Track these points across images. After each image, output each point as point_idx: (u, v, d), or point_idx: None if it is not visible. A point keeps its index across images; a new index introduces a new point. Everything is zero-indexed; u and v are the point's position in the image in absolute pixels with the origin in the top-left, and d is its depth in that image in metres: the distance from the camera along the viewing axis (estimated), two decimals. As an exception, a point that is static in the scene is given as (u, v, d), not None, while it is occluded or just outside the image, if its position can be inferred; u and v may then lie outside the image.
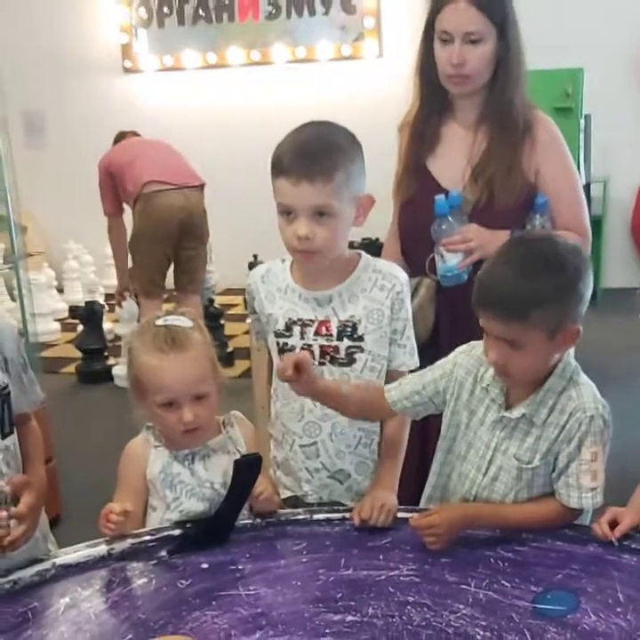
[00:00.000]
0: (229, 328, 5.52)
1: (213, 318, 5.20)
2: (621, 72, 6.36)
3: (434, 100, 2.36)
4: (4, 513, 1.56)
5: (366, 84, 6.77)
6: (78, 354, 5.43)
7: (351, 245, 1.94)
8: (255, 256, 5.77)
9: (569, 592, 1.52)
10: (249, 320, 2.13)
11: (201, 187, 4.80)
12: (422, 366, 1.92)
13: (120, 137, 5.19)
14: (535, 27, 5.99)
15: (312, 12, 7.01)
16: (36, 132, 7.62)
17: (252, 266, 5.48)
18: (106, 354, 5.40)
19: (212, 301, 5.55)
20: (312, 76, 7.06)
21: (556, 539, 1.66)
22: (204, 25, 7.20)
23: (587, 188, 6.64)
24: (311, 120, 1.85)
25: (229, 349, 5.18)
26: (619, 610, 1.46)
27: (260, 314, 1.93)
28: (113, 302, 5.73)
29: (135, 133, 5.24)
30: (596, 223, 6.62)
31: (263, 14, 7.09)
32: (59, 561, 1.63)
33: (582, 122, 5.00)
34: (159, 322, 1.78)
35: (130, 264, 4.92)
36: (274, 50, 7.08)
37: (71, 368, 5.42)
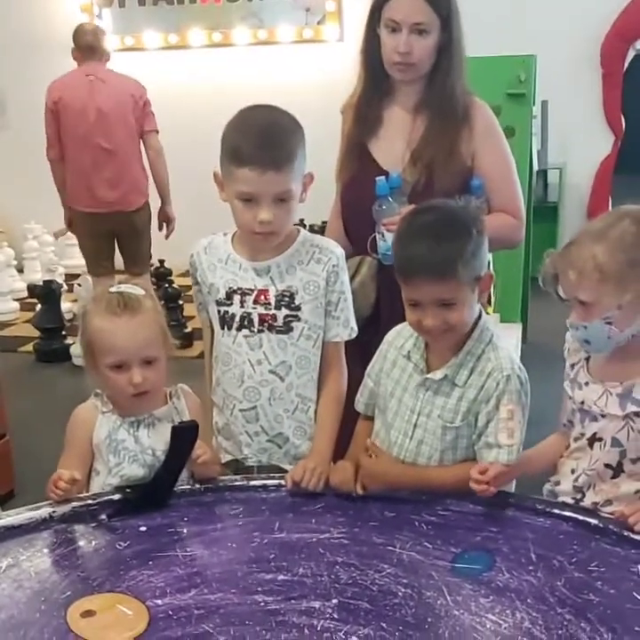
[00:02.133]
0: (188, 309, 5.58)
1: (172, 299, 5.26)
2: (578, 58, 6.45)
3: (377, 83, 2.43)
4: None
5: (326, 67, 6.80)
6: (36, 333, 5.45)
7: (312, 229, 2.03)
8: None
9: (485, 552, 1.62)
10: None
11: (136, 210, 4.91)
12: (365, 341, 2.01)
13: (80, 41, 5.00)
14: (489, 13, 6.13)
15: (275, -7, 7.02)
16: (-4, 113, 7.60)
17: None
18: (64, 333, 5.43)
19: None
20: (273, 58, 7.07)
21: (476, 503, 1.75)
22: (165, 6, 7.20)
23: (543, 174, 6.75)
24: (253, 105, 1.93)
25: (188, 330, 5.24)
26: (530, 568, 1.56)
27: (202, 284, 2.02)
28: (72, 282, 5.78)
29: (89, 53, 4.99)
30: (553, 209, 6.70)
31: (225, -5, 7.10)
32: (1, 522, 1.70)
33: (535, 108, 5.08)
34: (113, 289, 1.88)
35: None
36: (235, 32, 7.10)
37: (29, 347, 5.44)
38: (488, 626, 1.44)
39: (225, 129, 1.88)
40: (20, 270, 7.01)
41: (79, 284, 5.28)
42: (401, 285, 1.78)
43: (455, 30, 2.34)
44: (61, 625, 1.45)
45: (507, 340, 1.96)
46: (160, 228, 5.11)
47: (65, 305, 5.68)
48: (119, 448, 1.84)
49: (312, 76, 6.83)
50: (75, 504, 1.76)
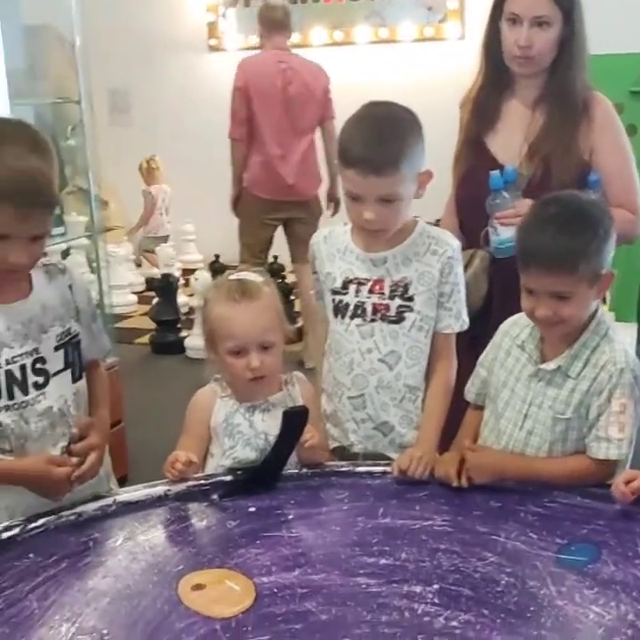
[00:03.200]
0: (300, 305, 5.67)
1: (284, 294, 5.32)
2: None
3: (497, 77, 2.44)
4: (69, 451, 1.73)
5: (447, 65, 6.76)
6: (152, 325, 5.63)
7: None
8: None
9: (592, 544, 1.61)
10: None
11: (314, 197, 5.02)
12: (475, 333, 2.03)
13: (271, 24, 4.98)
14: (613, 10, 5.98)
15: (396, -8, 7.03)
16: (121, 110, 7.81)
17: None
18: (179, 326, 5.59)
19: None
20: (393, 56, 7.07)
21: (584, 496, 1.75)
22: (289, 5, 7.26)
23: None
24: (372, 102, 1.96)
25: (298, 324, 5.32)
26: (637, 562, 1.55)
27: (319, 273, 2.07)
28: (188, 277, 5.95)
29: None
30: None
31: (348, -6, 7.14)
32: (120, 498, 1.78)
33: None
34: (232, 276, 1.94)
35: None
36: (356, 30, 7.12)
37: (145, 339, 5.62)
38: (591, 617, 1.43)
39: (344, 124, 1.93)
40: (139, 264, 7.24)
41: (196, 279, 5.43)
42: (520, 271, 1.79)
43: (577, 24, 2.33)
44: (172, 596, 1.51)
45: (624, 339, 1.93)
46: (328, 208, 5.17)
47: (181, 299, 5.85)
48: (234, 432, 1.90)
49: (432, 74, 6.79)
50: (189, 483, 1.83)
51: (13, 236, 1.60)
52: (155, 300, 5.80)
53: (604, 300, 2.74)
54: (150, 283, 5.90)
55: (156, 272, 6.51)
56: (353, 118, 1.92)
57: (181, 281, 5.96)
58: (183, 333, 5.52)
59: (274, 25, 4.94)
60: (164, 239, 6.98)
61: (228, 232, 5.30)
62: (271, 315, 1.89)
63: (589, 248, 1.72)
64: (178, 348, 5.39)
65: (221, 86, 7.28)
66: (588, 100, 2.38)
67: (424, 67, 6.94)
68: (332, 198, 5.12)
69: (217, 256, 6.21)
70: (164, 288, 5.60)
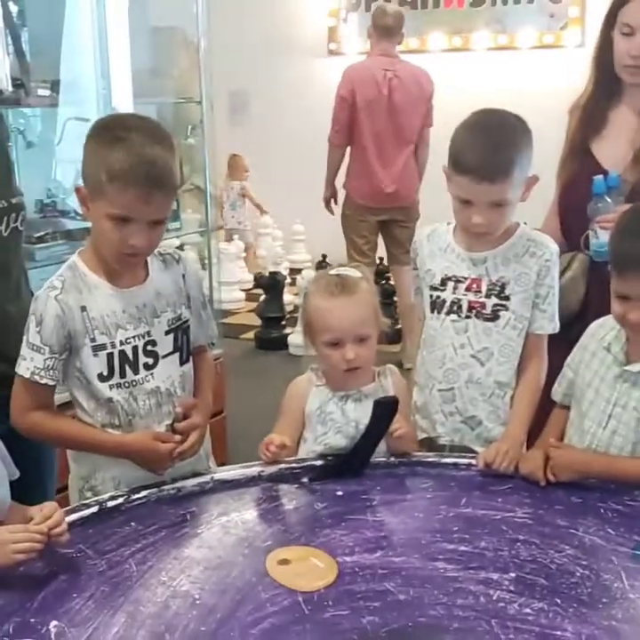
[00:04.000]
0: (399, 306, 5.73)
1: (387, 295, 5.41)
2: None
3: (606, 85, 2.47)
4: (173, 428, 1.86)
5: (565, 72, 6.68)
6: (258, 322, 5.77)
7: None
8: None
9: (669, 542, 1.64)
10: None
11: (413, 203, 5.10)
12: (572, 336, 2.08)
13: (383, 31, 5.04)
14: None
15: (517, 1, 7.03)
16: (240, 111, 8.01)
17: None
18: (283, 323, 5.72)
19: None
20: (511, 63, 7.07)
21: (665, 496, 1.78)
22: (409, 10, 7.29)
23: None
24: (483, 109, 2.02)
25: (399, 326, 5.38)
26: None
27: (419, 269, 2.14)
28: (295, 276, 6.08)
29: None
30: None
31: (468, 1, 7.15)
32: (217, 476, 1.89)
33: None
34: (332, 271, 2.03)
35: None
36: (475, 36, 7.14)
37: (250, 334, 5.77)
38: (662, 611, 1.47)
39: (455, 131, 1.99)
40: (249, 262, 7.44)
41: (302, 278, 5.56)
42: (612, 276, 1.83)
43: None
44: (260, 569, 1.60)
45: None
46: None
47: (287, 297, 5.98)
48: (327, 419, 1.99)
49: (550, 81, 6.73)
50: (282, 466, 1.93)
51: (135, 220, 1.72)
52: (262, 298, 5.94)
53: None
54: (258, 280, 6.05)
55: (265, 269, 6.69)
56: (465, 125, 1.99)
57: (288, 280, 6.09)
58: (287, 330, 5.65)
59: (384, 31, 5.00)
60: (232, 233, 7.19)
61: (335, 233, 5.41)
62: (367, 309, 1.97)
63: None
64: (281, 344, 5.53)
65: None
66: None
67: (542, 74, 6.89)
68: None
69: (324, 256, 6.34)
70: (270, 286, 5.74)
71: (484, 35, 7.14)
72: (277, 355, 5.46)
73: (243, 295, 6.67)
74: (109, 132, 1.74)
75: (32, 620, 1.42)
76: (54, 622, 1.42)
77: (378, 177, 4.98)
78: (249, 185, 7.58)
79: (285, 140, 7.60)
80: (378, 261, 5.81)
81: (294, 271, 6.68)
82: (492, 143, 1.93)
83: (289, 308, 5.97)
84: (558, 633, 1.46)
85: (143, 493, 1.81)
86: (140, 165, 1.69)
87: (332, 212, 5.32)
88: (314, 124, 7.11)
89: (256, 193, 7.65)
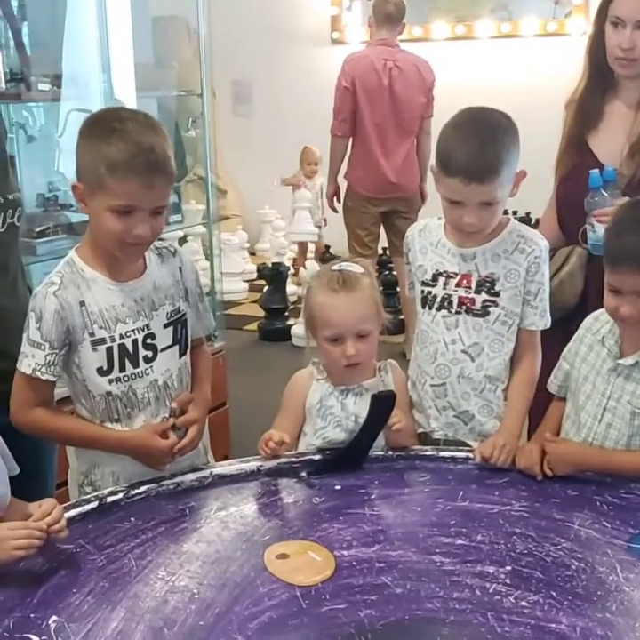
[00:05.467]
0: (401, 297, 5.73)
1: (390, 286, 5.42)
2: None
3: (600, 78, 2.48)
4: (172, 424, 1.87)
5: (569, 60, 6.65)
6: (261, 313, 5.79)
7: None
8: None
9: (663, 537, 1.65)
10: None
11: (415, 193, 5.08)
12: (570, 329, 2.09)
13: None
14: None
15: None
16: (243, 101, 8.00)
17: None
18: (286, 314, 5.73)
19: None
20: (515, 51, 7.04)
21: (660, 489, 1.80)
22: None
23: None
24: (468, 108, 2.02)
25: (402, 316, 5.38)
26: None
27: (411, 264, 2.16)
28: (298, 266, 6.09)
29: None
30: None
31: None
32: (216, 471, 1.91)
33: None
34: (335, 267, 2.04)
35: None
36: (478, 24, 7.12)
37: (254, 326, 5.78)
38: (656, 604, 1.49)
39: (440, 132, 1.99)
40: (253, 253, 7.43)
41: (306, 268, 5.57)
42: (606, 270, 1.84)
43: None
44: (258, 563, 1.62)
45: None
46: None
47: (290, 288, 5.99)
48: (327, 413, 2.01)
49: (554, 69, 6.69)
50: (280, 460, 1.94)
51: (138, 209, 1.74)
52: (265, 289, 5.96)
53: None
54: (261, 271, 6.07)
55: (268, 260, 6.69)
56: (450, 126, 1.98)
57: (291, 270, 6.10)
58: (290, 321, 5.67)
59: (385, 19, 4.98)
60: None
61: (339, 223, 5.40)
62: (368, 305, 1.98)
63: None
64: (284, 335, 5.53)
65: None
66: None
67: (546, 62, 6.86)
68: (421, 192, 5.17)
69: (328, 246, 6.35)
70: (274, 277, 5.76)
71: (487, 23, 7.11)
72: (281, 346, 5.47)
73: (246, 286, 6.67)
74: (103, 125, 1.75)
75: (32, 615, 1.44)
76: (54, 617, 1.44)
77: (380, 167, 4.97)
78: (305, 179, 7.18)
79: (289, 129, 7.59)
80: (381, 251, 5.84)
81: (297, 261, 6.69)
82: (479, 144, 1.92)
83: (292, 299, 5.98)
84: (553, 625, 1.48)
85: (142, 488, 1.83)
86: (140, 154, 1.70)
87: (335, 210, 5.32)
88: (318, 114, 7.09)
89: (257, 183, 7.60)
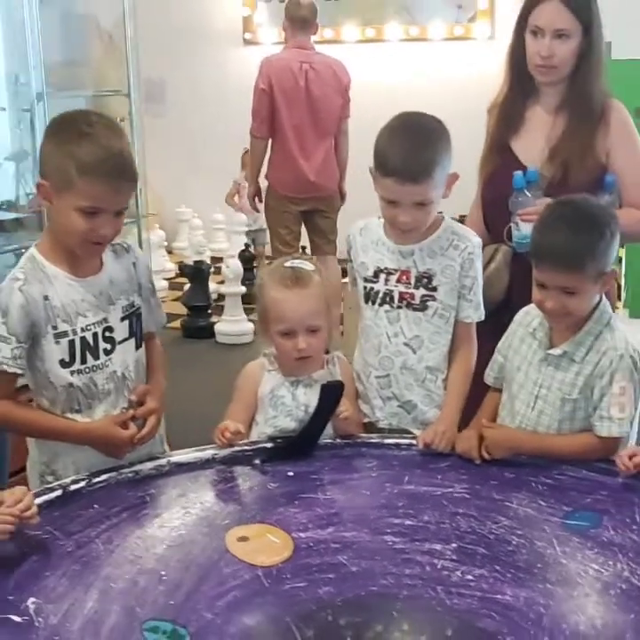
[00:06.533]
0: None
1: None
2: None
3: (521, 85, 2.61)
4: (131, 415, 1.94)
5: (477, 64, 6.87)
6: (184, 310, 5.82)
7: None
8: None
9: (594, 512, 1.79)
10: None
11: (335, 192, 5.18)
12: (499, 323, 2.22)
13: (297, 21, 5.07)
14: (633, 16, 6.04)
15: (425, -10, 7.14)
16: (156, 100, 7.98)
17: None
18: (210, 311, 5.78)
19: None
20: (424, 54, 7.21)
21: (589, 469, 1.93)
22: (322, 1, 7.34)
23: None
24: (403, 113, 2.14)
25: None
26: (634, 528, 1.73)
27: (354, 261, 2.26)
28: (219, 265, 6.14)
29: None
30: None
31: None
32: (173, 459, 1.98)
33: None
34: (287, 263, 2.13)
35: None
36: (387, 27, 7.26)
37: (177, 323, 5.80)
38: (590, 573, 1.63)
39: (377, 135, 2.10)
40: (170, 251, 7.45)
41: (227, 266, 5.63)
42: (533, 266, 1.97)
43: (595, 36, 2.50)
44: (220, 546, 1.70)
45: (637, 335, 2.11)
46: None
47: (212, 285, 6.04)
48: (278, 403, 2.10)
49: (462, 73, 6.89)
50: (234, 449, 2.02)
51: (104, 211, 1.81)
52: (186, 287, 5.99)
53: (619, 297, 2.90)
54: (182, 269, 6.10)
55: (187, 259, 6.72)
56: (387, 130, 2.09)
57: (212, 268, 6.15)
58: (213, 319, 5.72)
59: (299, 22, 5.06)
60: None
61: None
62: (319, 301, 2.08)
63: (597, 249, 1.90)
64: (208, 333, 5.59)
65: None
66: (605, 106, 2.55)
67: (454, 65, 7.06)
68: (340, 191, 5.30)
69: (247, 245, 6.42)
70: (195, 275, 5.80)
71: (395, 26, 7.26)
72: (205, 343, 5.52)
73: (166, 284, 6.69)
74: (73, 127, 1.81)
75: (10, 597, 1.50)
76: (32, 599, 1.49)
77: (300, 167, 5.06)
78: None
79: (203, 129, 7.64)
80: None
81: (215, 260, 6.74)
82: (413, 146, 2.04)
83: (214, 297, 6.03)
84: (499, 596, 1.60)
85: (103, 477, 1.88)
86: (109, 158, 1.78)
87: (257, 210, 5.40)
88: (231, 114, 7.18)
89: (172, 182, 7.64)
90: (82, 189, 1.77)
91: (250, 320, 5.54)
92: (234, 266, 5.67)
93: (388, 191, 2.06)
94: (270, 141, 5.13)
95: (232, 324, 5.55)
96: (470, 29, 7.10)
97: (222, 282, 5.93)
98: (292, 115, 5.00)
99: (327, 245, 5.25)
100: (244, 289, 5.69)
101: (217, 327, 5.57)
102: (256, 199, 5.35)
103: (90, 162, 1.76)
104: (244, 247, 6.45)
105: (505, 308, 2.41)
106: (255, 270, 6.14)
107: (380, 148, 2.08)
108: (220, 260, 6.68)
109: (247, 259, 6.21)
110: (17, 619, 1.45)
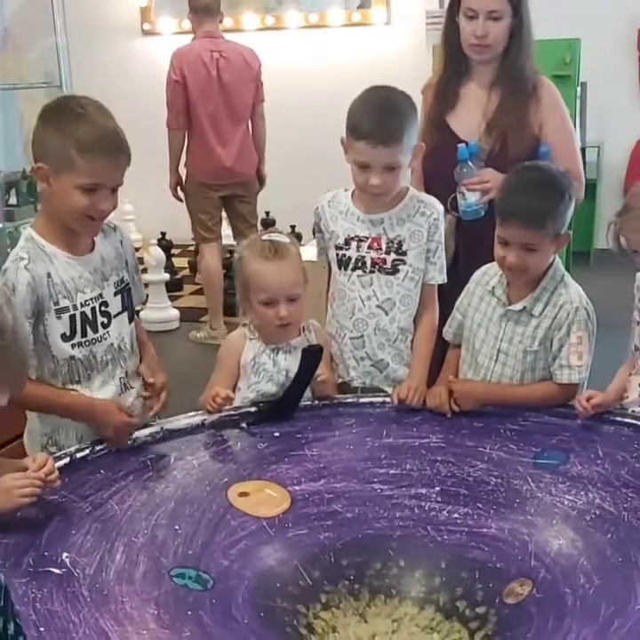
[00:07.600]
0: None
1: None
2: (617, 42, 6.71)
3: (455, 64, 2.79)
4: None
5: (374, 50, 7.07)
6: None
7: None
8: (267, 213, 6.28)
9: (561, 451, 1.98)
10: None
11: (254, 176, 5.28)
12: (447, 285, 2.39)
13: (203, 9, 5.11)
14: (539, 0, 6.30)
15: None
16: (55, 95, 7.87)
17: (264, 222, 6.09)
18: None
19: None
20: (323, 41, 7.28)
21: (552, 414, 2.12)
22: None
23: (582, 152, 6.97)
24: (374, 86, 2.30)
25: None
26: (599, 462, 1.93)
27: (324, 231, 2.39)
28: (139, 256, 6.16)
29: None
30: (591, 186, 6.86)
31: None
32: (166, 426, 2.07)
33: (579, 89, 5.37)
34: (265, 237, 2.24)
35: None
36: (287, 15, 7.36)
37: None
38: (566, 503, 1.81)
39: (351, 103, 2.25)
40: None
41: (149, 254, 5.67)
42: (497, 224, 2.14)
43: (525, 16, 2.70)
44: (224, 501, 1.83)
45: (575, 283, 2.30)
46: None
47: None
48: (260, 369, 2.21)
49: (360, 58, 7.08)
50: (221, 414, 2.13)
51: (103, 187, 1.90)
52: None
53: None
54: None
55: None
56: (360, 99, 2.25)
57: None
58: (138, 306, 5.73)
59: (204, 11, 5.11)
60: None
61: (168, 211, 5.54)
62: (297, 271, 2.20)
63: (557, 210, 2.09)
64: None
65: (156, 70, 7.36)
66: (536, 82, 2.76)
67: (352, 50, 7.20)
68: (260, 174, 5.40)
69: (163, 233, 6.45)
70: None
71: (295, 14, 7.36)
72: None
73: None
74: (67, 111, 1.90)
75: (46, 553, 1.60)
76: (65, 554, 1.60)
77: (217, 155, 5.14)
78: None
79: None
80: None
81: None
82: (384, 112, 2.21)
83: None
84: (485, 530, 1.78)
85: (104, 445, 1.98)
86: (106, 136, 1.88)
87: (180, 199, 5.44)
88: (134, 105, 7.14)
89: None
90: (83, 167, 1.86)
91: (174, 307, 5.60)
92: (156, 253, 5.70)
93: (361, 154, 2.20)
94: (187, 132, 5.19)
95: (157, 311, 5.61)
96: (368, 15, 7.26)
97: (145, 270, 5.96)
98: (207, 104, 5.07)
99: (248, 229, 5.34)
100: (167, 276, 5.75)
101: (142, 314, 5.59)
102: (178, 188, 5.40)
103: (89, 140, 1.85)
104: (160, 236, 6.48)
105: (452, 272, 2.57)
106: (173, 258, 6.20)
107: (353, 115, 2.23)
108: (137, 249, 6.68)
109: (165, 247, 6.24)
110: (57, 571, 1.55)
